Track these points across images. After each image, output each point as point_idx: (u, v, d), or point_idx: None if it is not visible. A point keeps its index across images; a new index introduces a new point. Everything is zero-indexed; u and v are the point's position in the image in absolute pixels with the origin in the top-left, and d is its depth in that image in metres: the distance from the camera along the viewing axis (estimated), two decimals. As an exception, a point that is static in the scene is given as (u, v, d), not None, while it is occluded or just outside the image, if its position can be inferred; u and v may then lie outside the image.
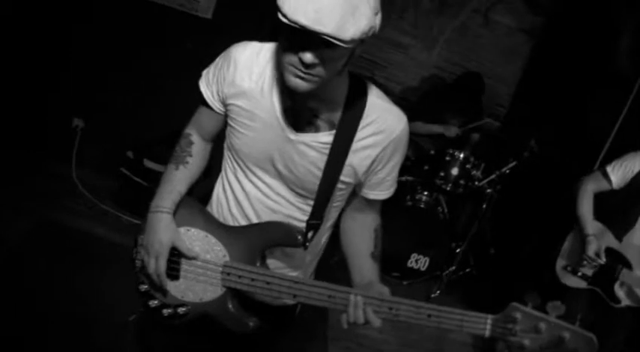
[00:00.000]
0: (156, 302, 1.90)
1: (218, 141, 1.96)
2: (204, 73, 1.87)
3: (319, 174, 1.73)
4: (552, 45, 5.66)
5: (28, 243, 3.66)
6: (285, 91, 1.64)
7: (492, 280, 4.99)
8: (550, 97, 5.43)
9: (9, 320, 2.98)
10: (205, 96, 1.85)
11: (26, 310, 3.09)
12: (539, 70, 5.82)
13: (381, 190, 1.87)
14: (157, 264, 1.80)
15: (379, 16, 1.48)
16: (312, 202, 1.81)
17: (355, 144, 1.70)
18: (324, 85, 1.54)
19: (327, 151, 1.70)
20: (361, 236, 1.93)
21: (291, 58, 1.47)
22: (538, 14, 5.77)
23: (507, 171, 4.75)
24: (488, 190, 4.77)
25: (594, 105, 4.73)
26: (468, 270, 5.06)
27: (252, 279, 1.77)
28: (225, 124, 1.87)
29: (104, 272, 3.48)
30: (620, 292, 3.20)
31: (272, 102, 1.69)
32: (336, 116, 1.68)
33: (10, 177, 3.58)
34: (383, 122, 1.71)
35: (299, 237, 1.77)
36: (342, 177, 1.75)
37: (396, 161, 1.81)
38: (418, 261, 4.65)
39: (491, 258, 5.14)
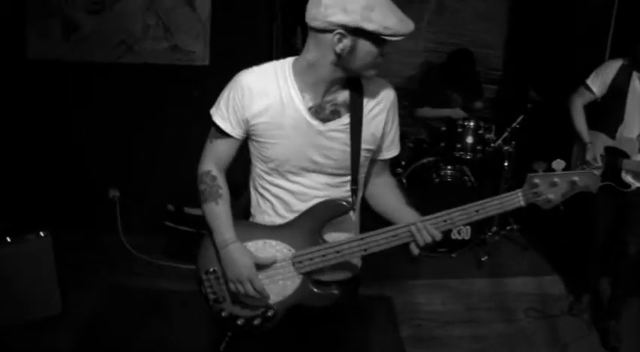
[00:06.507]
0: (242, 319, 2.12)
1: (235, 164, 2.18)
2: (214, 109, 2.06)
3: (349, 149, 2.00)
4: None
5: (99, 312, 3.86)
6: (312, 93, 1.94)
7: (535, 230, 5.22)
8: (537, 47, 5.65)
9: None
10: (224, 128, 2.03)
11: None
12: (521, 26, 6.07)
13: (393, 148, 2.17)
14: (254, 285, 2.02)
15: None
16: (347, 177, 2.06)
17: (367, 116, 2.00)
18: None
19: (349, 129, 1.98)
20: (391, 195, 2.19)
21: (380, 59, 1.86)
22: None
23: (517, 126, 4.98)
24: (505, 148, 4.99)
25: (579, 41, 4.97)
26: (509, 227, 5.26)
27: (324, 256, 2.02)
28: (249, 143, 2.08)
29: (177, 320, 3.72)
30: (627, 178, 3.66)
31: (295, 108, 1.93)
32: (347, 97, 1.98)
33: (66, 256, 3.83)
34: (379, 93, 2.04)
35: (345, 204, 2.02)
36: (365, 146, 2.02)
37: (397, 119, 2.15)
38: (460, 232, 4.85)
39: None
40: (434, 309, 4.20)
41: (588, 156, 3.78)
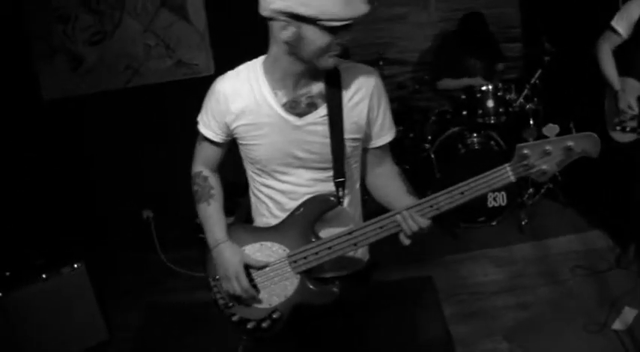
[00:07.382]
0: (252, 323, 2.11)
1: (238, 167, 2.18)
2: (199, 118, 2.09)
3: (329, 141, 1.95)
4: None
5: (150, 332, 3.96)
6: (284, 89, 1.90)
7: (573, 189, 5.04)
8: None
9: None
10: (208, 135, 2.06)
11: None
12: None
13: (384, 134, 2.08)
14: (240, 282, 2.02)
15: None
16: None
17: (347, 105, 1.93)
18: None
19: (327, 120, 1.93)
20: (392, 184, 2.10)
21: (336, 47, 1.76)
22: None
23: (537, 82, 4.80)
24: (528, 106, 4.81)
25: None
26: (546, 186, 5.06)
27: (316, 253, 1.97)
28: (236, 147, 2.08)
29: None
30: None
31: (269, 106, 1.91)
32: (322, 87, 1.92)
33: (109, 280, 3.91)
34: (358, 79, 1.95)
35: (332, 198, 1.97)
36: (349, 135, 1.95)
37: (385, 104, 2.03)
38: (496, 198, 4.73)
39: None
40: (477, 281, 4.12)
41: (621, 104, 3.60)
